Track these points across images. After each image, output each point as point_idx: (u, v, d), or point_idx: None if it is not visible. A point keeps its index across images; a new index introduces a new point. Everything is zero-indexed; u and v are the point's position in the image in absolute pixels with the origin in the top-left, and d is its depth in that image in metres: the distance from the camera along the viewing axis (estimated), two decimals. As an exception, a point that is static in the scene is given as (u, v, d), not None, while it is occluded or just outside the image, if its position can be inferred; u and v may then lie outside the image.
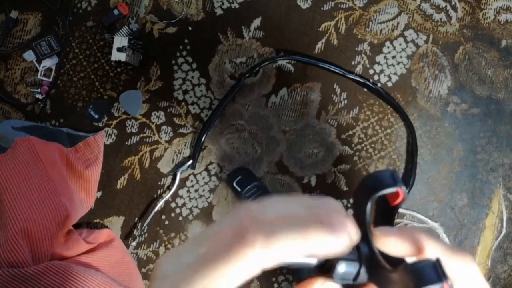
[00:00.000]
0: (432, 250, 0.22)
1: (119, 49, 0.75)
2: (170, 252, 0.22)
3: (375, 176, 0.23)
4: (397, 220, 0.79)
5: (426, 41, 0.80)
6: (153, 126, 0.80)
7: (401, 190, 0.23)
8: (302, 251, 0.20)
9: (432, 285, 0.20)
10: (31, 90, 0.81)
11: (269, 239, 0.19)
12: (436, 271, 0.20)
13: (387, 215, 0.25)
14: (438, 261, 0.20)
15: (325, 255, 0.21)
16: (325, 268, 0.23)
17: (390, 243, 0.22)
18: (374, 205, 0.24)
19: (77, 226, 0.78)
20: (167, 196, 0.78)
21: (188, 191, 0.79)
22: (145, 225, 0.78)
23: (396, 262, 0.22)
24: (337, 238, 0.20)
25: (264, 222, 0.20)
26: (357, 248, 0.23)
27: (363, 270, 0.23)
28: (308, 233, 0.19)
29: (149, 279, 0.79)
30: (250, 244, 0.19)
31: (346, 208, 0.79)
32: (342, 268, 0.22)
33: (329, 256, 0.21)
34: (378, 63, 0.80)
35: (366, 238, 0.23)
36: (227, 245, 0.19)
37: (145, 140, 0.80)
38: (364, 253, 0.23)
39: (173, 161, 0.80)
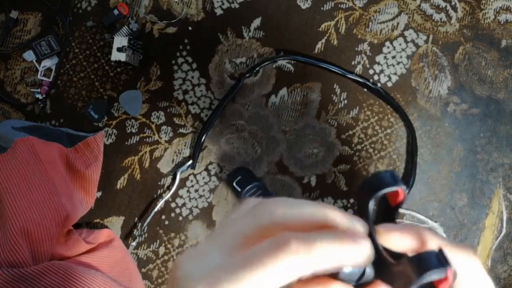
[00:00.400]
0: (435, 244, 0.22)
1: (119, 49, 0.75)
2: (191, 251, 0.22)
3: (375, 176, 0.24)
4: (397, 220, 0.79)
5: (426, 41, 0.80)
6: (153, 126, 0.80)
7: (401, 189, 0.24)
8: (336, 261, 0.21)
9: (435, 271, 0.20)
10: (31, 90, 0.81)
11: (309, 247, 0.20)
12: (439, 258, 0.20)
13: (388, 215, 0.26)
14: (440, 250, 0.20)
15: (353, 265, 0.22)
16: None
17: (393, 239, 0.23)
18: (375, 205, 0.24)
19: (77, 226, 0.78)
20: (167, 196, 0.78)
21: (188, 191, 0.80)
22: (145, 225, 0.78)
23: (399, 258, 0.23)
24: (363, 251, 0.22)
25: (295, 226, 0.22)
26: None
27: (369, 268, 0.23)
28: (341, 244, 0.21)
29: (149, 279, 0.79)
30: (294, 251, 0.20)
31: (346, 208, 0.79)
32: (348, 268, 0.22)
33: (355, 266, 0.22)
34: (378, 63, 0.80)
35: (370, 236, 0.23)
36: (269, 250, 0.20)
37: (145, 140, 0.80)
38: None
39: (173, 161, 0.80)
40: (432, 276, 0.20)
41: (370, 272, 0.23)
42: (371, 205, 0.24)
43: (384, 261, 0.23)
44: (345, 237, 0.21)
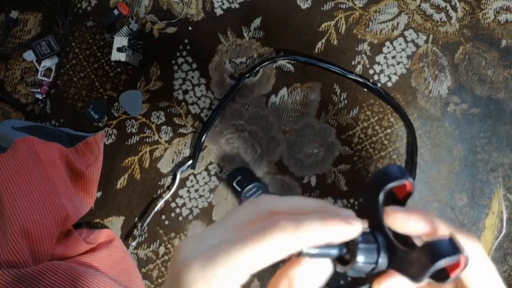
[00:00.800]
0: (445, 230, 0.23)
1: (119, 49, 0.75)
2: (190, 237, 0.24)
3: (385, 170, 0.25)
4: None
5: (426, 41, 0.80)
6: (153, 126, 0.80)
7: (409, 182, 0.25)
8: (323, 239, 0.22)
9: (449, 257, 0.20)
10: (31, 90, 0.81)
11: (297, 226, 0.22)
12: (452, 244, 0.21)
13: None
14: (452, 236, 0.21)
15: (341, 241, 0.23)
16: (345, 259, 0.24)
17: (400, 219, 0.24)
18: (383, 201, 0.25)
19: (77, 226, 0.78)
20: (167, 196, 0.78)
21: (188, 191, 0.80)
22: (145, 225, 0.78)
23: (411, 247, 0.24)
24: (351, 226, 0.23)
25: (288, 213, 0.24)
26: (374, 238, 0.24)
27: (381, 258, 0.24)
28: (329, 223, 0.23)
29: (149, 279, 0.79)
30: (282, 228, 0.21)
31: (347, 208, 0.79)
32: (361, 258, 0.23)
33: (344, 241, 0.24)
34: (378, 63, 0.80)
35: (381, 228, 0.24)
36: (261, 228, 0.22)
37: (145, 140, 0.80)
38: (381, 242, 0.24)
39: (173, 161, 0.80)
40: (445, 261, 0.20)
41: (383, 262, 0.24)
42: (381, 197, 0.25)
43: (396, 250, 0.23)
44: (331, 217, 0.23)
